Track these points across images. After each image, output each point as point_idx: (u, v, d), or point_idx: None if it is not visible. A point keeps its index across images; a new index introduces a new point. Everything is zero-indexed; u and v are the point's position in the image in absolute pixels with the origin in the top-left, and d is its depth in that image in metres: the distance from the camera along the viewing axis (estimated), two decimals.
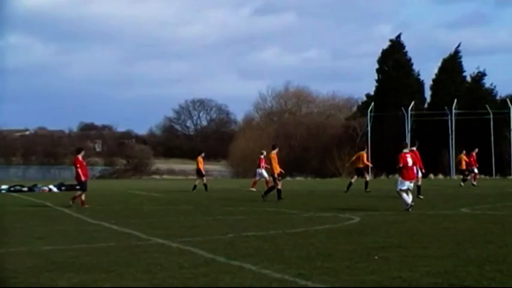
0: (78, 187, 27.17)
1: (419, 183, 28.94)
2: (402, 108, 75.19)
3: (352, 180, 35.57)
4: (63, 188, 42.67)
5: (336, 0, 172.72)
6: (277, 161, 28.77)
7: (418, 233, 14.90)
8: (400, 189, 21.62)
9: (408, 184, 21.80)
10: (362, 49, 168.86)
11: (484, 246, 12.45)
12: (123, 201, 30.04)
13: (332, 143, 79.21)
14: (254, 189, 36.74)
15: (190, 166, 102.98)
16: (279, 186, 28.46)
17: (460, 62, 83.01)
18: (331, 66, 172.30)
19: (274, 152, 29.18)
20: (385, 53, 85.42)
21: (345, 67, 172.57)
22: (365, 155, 37.07)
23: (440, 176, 65.59)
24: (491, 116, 72.42)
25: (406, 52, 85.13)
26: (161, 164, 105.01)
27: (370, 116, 77.30)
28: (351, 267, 10.29)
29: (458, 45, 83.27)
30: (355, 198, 30.28)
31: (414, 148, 26.59)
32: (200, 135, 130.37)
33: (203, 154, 39.97)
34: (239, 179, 76.13)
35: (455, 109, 73.73)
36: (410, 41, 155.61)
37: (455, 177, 61.42)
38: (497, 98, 79.39)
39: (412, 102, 76.12)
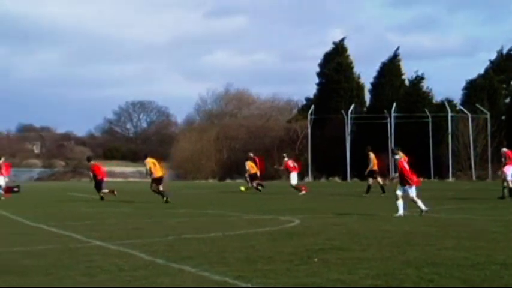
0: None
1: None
2: (342, 111, 75.70)
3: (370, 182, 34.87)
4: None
5: (290, 3, 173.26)
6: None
7: (357, 235, 14.98)
8: (413, 195, 20.39)
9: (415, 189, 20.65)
10: (311, 52, 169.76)
11: (423, 249, 12.57)
12: (61, 204, 29.73)
13: (273, 146, 79.41)
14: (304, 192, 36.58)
15: (129, 168, 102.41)
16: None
17: (399, 65, 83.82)
18: (278, 69, 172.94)
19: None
20: (327, 56, 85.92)
21: (292, 70, 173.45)
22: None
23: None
24: (430, 119, 73.33)
25: (348, 55, 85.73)
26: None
27: (311, 118, 77.64)
28: (291, 269, 10.30)
29: (397, 49, 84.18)
30: (295, 201, 30.40)
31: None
32: (140, 137, 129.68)
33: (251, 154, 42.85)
34: (180, 181, 75.85)
35: (394, 112, 74.47)
36: (360, 44, 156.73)
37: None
38: (435, 101, 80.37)
39: (352, 106, 76.69)
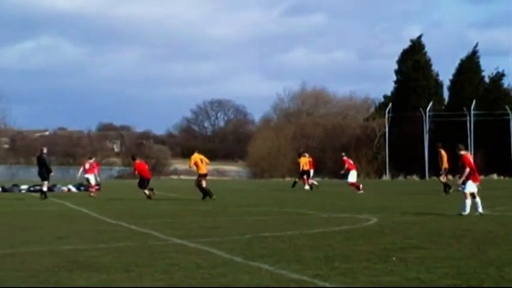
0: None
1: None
2: (420, 109, 74.96)
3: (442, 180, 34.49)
4: (82, 188, 42.77)
5: (367, 0, 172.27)
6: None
7: (436, 234, 14.84)
8: (469, 191, 20.19)
9: (476, 186, 20.50)
10: (389, 49, 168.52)
11: (504, 248, 12.38)
12: (141, 201, 30.12)
13: (350, 144, 79.00)
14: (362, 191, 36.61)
15: (207, 167, 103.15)
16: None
17: (478, 62, 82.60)
18: (355, 67, 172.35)
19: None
20: (405, 54, 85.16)
21: (369, 68, 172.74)
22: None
23: None
24: (511, 116, 72.09)
25: (426, 53, 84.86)
26: (179, 165, 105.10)
27: (389, 116, 77.07)
28: (368, 268, 10.26)
29: (476, 45, 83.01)
30: (373, 199, 30.25)
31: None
32: (218, 136, 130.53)
33: (306, 154, 43.99)
34: (257, 180, 76.07)
35: (473, 110, 73.41)
36: (438, 41, 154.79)
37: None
38: None
39: (430, 103, 75.87)
